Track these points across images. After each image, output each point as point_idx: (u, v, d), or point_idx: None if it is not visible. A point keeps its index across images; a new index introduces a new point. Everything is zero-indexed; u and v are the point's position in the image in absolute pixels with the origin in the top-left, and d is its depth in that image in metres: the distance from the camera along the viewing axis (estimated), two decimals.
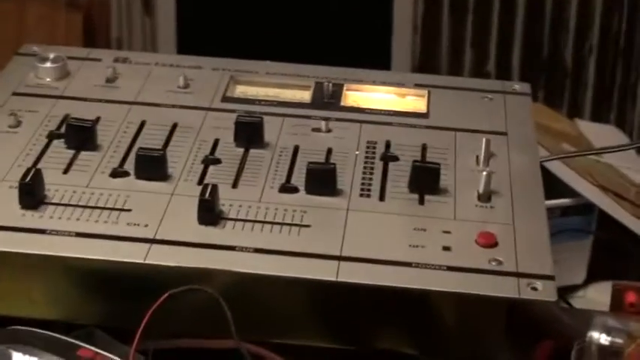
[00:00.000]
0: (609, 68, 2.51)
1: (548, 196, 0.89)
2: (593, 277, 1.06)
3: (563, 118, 1.41)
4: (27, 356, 0.64)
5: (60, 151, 0.79)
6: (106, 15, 2.57)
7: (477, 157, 0.80)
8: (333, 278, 0.66)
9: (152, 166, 0.75)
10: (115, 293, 0.69)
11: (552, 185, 1.00)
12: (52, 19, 2.49)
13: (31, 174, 0.72)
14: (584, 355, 0.61)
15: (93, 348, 0.66)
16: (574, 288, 1.05)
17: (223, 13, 2.31)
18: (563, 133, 1.22)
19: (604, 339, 0.61)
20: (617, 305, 0.83)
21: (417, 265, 0.67)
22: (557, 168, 1.05)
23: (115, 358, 0.65)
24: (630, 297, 0.83)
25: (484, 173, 0.75)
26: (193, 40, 2.29)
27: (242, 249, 0.68)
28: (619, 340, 0.60)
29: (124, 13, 2.57)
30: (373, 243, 0.69)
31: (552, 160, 1.02)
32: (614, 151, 1.13)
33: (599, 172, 1.10)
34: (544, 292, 0.66)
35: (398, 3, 2.31)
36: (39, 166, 0.75)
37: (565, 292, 1.00)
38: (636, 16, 2.47)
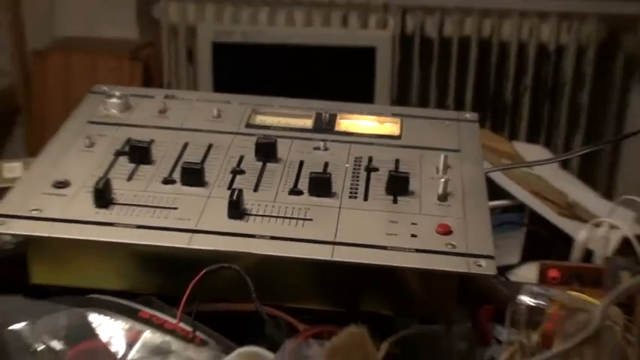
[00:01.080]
0: (539, 103, 2.52)
1: (491, 198, 0.90)
2: (525, 259, 1.06)
3: (504, 140, 1.41)
4: (101, 316, 0.65)
5: (124, 164, 0.79)
6: (160, 64, 2.58)
7: (437, 168, 0.80)
8: (329, 258, 0.67)
9: (193, 175, 0.76)
10: (166, 270, 0.70)
11: (495, 190, 1.01)
12: (119, 69, 2.50)
13: (102, 182, 0.73)
14: (516, 314, 0.62)
15: (150, 310, 0.67)
16: (511, 267, 1.05)
17: (247, 63, 2.32)
18: (504, 151, 1.23)
19: (531, 301, 0.61)
20: (543, 279, 0.84)
21: (392, 248, 0.68)
22: (499, 178, 1.05)
23: (167, 317, 0.66)
24: (553, 273, 0.84)
25: (442, 180, 0.76)
26: (224, 82, 2.30)
27: (261, 237, 0.69)
28: (543, 302, 0.61)
29: (173, 63, 2.58)
30: (359, 232, 0.70)
31: (495, 171, 1.02)
32: (541, 164, 1.14)
33: (530, 181, 1.10)
34: (486, 268, 0.66)
35: (379, 55, 2.31)
36: (108, 176, 0.76)
37: (504, 270, 1.00)
38: (560, 63, 2.48)
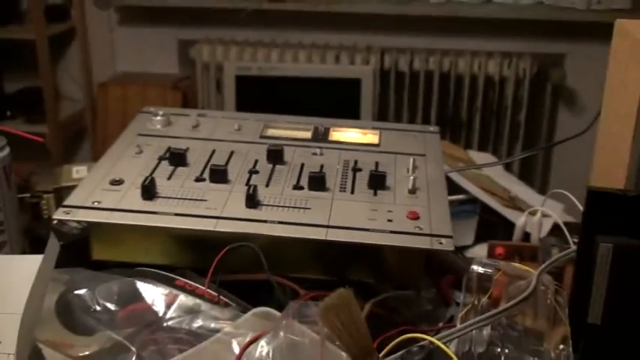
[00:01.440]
0: (487, 121, 2.51)
1: (451, 193, 0.89)
2: (478, 240, 1.05)
3: (460, 148, 1.40)
4: (146, 284, 0.64)
5: (165, 167, 0.78)
6: (195, 93, 2.57)
7: (408, 168, 0.79)
8: (323, 238, 0.66)
9: (219, 174, 0.75)
10: (197, 248, 0.69)
11: (454, 187, 1.00)
12: (164, 96, 2.49)
13: (148, 180, 0.72)
14: (470, 281, 0.61)
15: (184, 279, 0.66)
16: (467, 247, 1.04)
17: (262, 91, 2.31)
18: (460, 157, 1.22)
19: (480, 269, 0.60)
20: (491, 255, 0.83)
21: (373, 230, 0.67)
22: (456, 177, 1.04)
23: (197, 285, 0.65)
24: (499, 250, 0.83)
25: (411, 177, 0.75)
26: (245, 105, 2.28)
27: (271, 222, 0.68)
28: (489, 270, 0.60)
29: (205, 92, 2.57)
30: (347, 217, 0.69)
31: (453, 172, 1.01)
32: (488, 166, 1.13)
33: (480, 180, 1.09)
34: (446, 245, 0.66)
35: (364, 85, 2.30)
36: (153, 175, 0.75)
37: (461, 249, 0.99)
38: (503, 91, 2.47)
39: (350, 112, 2.25)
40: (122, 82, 2.61)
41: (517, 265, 0.63)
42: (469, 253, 0.97)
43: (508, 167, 1.83)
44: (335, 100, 2.25)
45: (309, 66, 2.41)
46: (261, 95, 2.27)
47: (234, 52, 2.49)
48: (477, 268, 0.59)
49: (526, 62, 2.41)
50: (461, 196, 1.03)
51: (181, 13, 2.57)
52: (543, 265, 0.60)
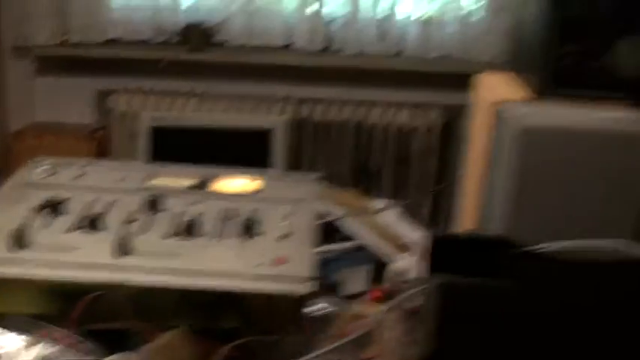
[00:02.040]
0: (398, 171, 2.57)
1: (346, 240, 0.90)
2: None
3: (363, 197, 1.41)
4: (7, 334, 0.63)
5: (43, 216, 0.78)
6: (109, 143, 2.56)
7: (284, 215, 0.81)
8: (190, 283, 0.67)
9: (95, 223, 0.76)
10: (67, 296, 0.68)
11: (347, 236, 1.01)
12: (78, 147, 2.47)
13: (18, 230, 0.72)
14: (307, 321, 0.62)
15: (51, 327, 0.65)
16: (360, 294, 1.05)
17: (175, 142, 2.31)
18: (360, 206, 1.23)
19: (317, 311, 0.62)
20: (370, 299, 0.85)
21: (239, 276, 0.68)
22: (351, 224, 1.05)
23: (63, 333, 0.64)
24: (375, 293, 0.86)
25: (285, 224, 0.78)
26: (159, 156, 2.27)
27: (139, 269, 0.68)
28: (328, 310, 0.61)
29: (121, 142, 2.55)
30: (216, 264, 0.70)
31: (343, 219, 1.02)
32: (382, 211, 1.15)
33: (377, 227, 1.11)
34: (308, 288, 0.68)
35: (276, 136, 2.34)
36: (28, 225, 0.74)
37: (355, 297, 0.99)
38: (412, 142, 2.54)
39: (262, 162, 2.27)
40: (38, 131, 2.57)
41: (362, 305, 0.66)
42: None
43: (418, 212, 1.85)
44: (248, 150, 2.27)
45: (223, 116, 2.43)
46: (175, 146, 2.27)
47: (152, 101, 2.50)
48: (311, 310, 0.61)
49: (435, 113, 2.50)
50: (349, 244, 1.05)
51: (101, 64, 2.56)
52: (389, 305, 0.63)
